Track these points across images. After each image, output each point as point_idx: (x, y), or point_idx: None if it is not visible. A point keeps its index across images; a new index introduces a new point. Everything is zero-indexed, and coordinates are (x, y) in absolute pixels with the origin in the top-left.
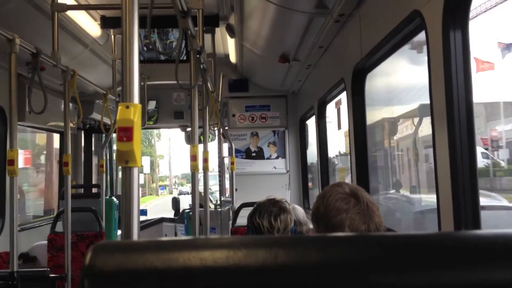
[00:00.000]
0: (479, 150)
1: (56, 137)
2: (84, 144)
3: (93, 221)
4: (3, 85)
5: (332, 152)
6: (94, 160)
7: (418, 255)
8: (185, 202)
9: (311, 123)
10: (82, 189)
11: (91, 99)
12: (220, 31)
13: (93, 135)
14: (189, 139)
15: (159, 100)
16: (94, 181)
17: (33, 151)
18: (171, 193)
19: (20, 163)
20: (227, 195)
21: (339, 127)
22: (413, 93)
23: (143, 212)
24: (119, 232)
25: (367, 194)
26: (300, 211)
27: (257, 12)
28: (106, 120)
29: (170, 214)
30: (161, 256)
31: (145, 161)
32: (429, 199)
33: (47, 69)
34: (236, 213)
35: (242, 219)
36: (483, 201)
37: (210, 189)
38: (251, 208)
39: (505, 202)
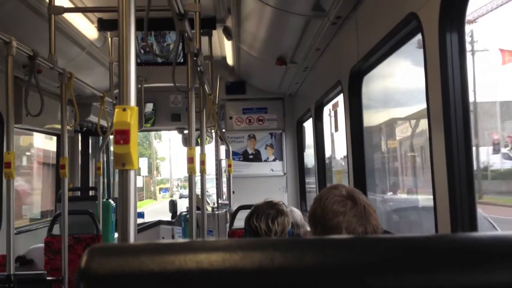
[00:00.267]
0: (503, 150)
1: (39, 136)
2: (81, 147)
3: (90, 224)
4: None
5: (328, 154)
6: (91, 162)
7: (415, 257)
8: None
9: (308, 125)
10: (79, 191)
11: (88, 101)
12: (217, 34)
13: (90, 137)
14: (186, 141)
15: (156, 103)
16: (91, 184)
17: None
18: (171, 196)
19: None
20: (224, 197)
21: (336, 129)
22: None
23: (140, 215)
24: (116, 235)
25: (364, 197)
26: (297, 213)
27: (254, 15)
28: (103, 123)
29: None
30: (157, 258)
31: (143, 163)
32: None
33: (44, 71)
34: (234, 215)
35: (240, 222)
36: None
37: (207, 191)
38: (249, 210)
39: None
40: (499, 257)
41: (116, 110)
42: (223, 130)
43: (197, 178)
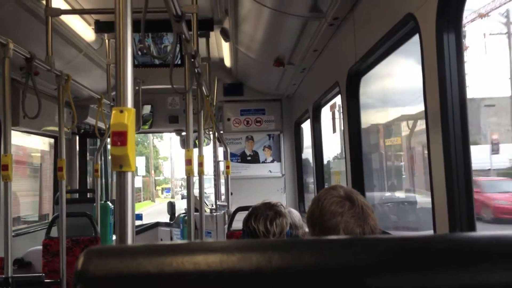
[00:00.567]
0: None
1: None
2: (78, 149)
3: (88, 226)
4: None
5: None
6: (89, 165)
7: (413, 257)
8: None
9: (306, 126)
10: (77, 194)
11: (86, 103)
12: (215, 35)
13: (87, 140)
14: (184, 143)
15: (154, 105)
16: (89, 186)
17: None
18: (172, 197)
19: None
20: (222, 199)
21: (334, 130)
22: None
23: (138, 217)
24: (114, 237)
25: (362, 197)
26: (296, 214)
27: (252, 16)
28: (101, 125)
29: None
30: (154, 260)
31: (140, 162)
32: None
33: (41, 73)
34: (232, 217)
35: (238, 223)
36: None
37: (205, 192)
38: (247, 212)
39: None
40: (497, 257)
41: (113, 111)
42: (221, 132)
43: (195, 179)
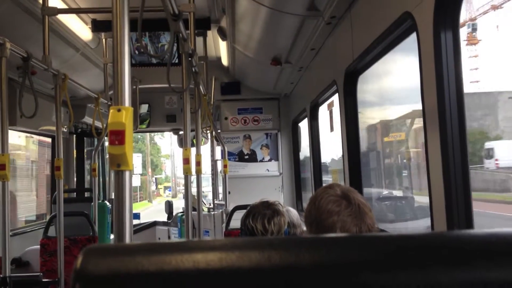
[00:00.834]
0: None
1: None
2: (76, 148)
3: (86, 225)
4: None
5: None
6: (86, 164)
7: (410, 255)
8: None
9: (304, 125)
10: (75, 193)
11: (83, 103)
12: (212, 34)
13: (85, 139)
14: (182, 142)
15: (151, 104)
16: (86, 185)
17: None
18: (174, 196)
19: None
20: (220, 198)
21: (332, 129)
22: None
23: (136, 216)
24: (112, 236)
25: (359, 196)
26: (294, 213)
27: (249, 15)
28: (98, 124)
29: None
30: (153, 259)
31: (137, 160)
32: None
33: (38, 73)
34: (230, 216)
35: (236, 222)
36: None
37: (202, 191)
38: (245, 211)
39: None
40: (495, 254)
41: (111, 110)
42: (219, 131)
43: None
